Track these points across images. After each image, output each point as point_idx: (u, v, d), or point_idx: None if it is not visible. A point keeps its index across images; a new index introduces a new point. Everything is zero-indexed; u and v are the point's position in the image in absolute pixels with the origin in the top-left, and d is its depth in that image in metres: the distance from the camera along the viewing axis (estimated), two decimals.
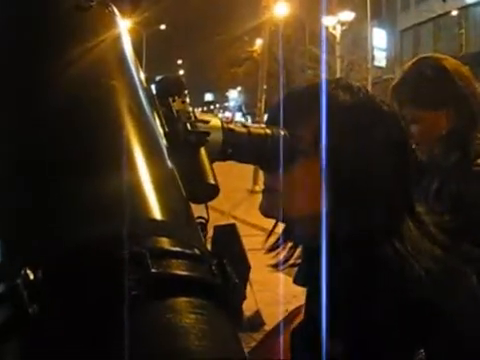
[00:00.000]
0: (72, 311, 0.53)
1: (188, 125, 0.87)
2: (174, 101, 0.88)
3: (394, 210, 1.35)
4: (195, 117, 0.91)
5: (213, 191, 0.85)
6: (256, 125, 1.13)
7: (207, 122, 0.94)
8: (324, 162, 1.26)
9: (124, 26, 0.86)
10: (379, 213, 1.31)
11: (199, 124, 0.90)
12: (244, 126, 1.07)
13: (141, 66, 0.86)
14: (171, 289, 0.56)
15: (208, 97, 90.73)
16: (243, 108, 52.61)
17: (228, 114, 56.17)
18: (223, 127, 0.99)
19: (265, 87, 22.32)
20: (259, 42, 27.83)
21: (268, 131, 1.11)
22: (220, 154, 0.97)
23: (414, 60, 2.79)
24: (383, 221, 1.32)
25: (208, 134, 0.89)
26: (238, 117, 52.42)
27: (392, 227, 1.32)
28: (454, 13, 34.81)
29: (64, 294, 0.54)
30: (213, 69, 48.20)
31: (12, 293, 0.53)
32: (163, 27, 50.44)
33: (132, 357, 0.50)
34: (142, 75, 0.83)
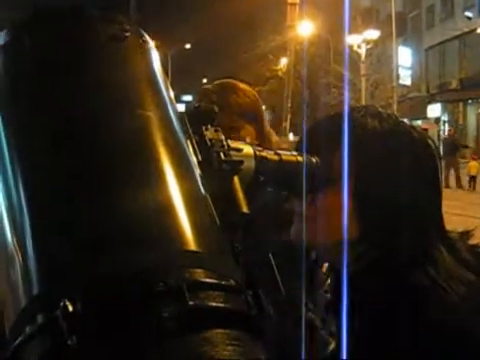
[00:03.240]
0: (110, 344, 0.54)
1: (221, 154, 0.87)
2: (207, 130, 0.88)
3: (425, 235, 1.34)
4: (228, 145, 0.91)
5: (247, 220, 0.84)
6: (288, 152, 1.13)
7: (240, 150, 0.94)
8: (346, 188, 1.25)
9: (157, 55, 0.87)
10: (410, 239, 1.30)
11: (232, 152, 0.90)
12: (276, 154, 1.07)
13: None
14: (208, 321, 0.56)
15: None
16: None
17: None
18: (256, 155, 0.99)
19: (290, 105, 22.34)
20: (284, 61, 27.82)
21: (300, 158, 1.11)
22: (253, 182, 0.97)
23: None
24: (415, 247, 1.31)
25: (241, 163, 0.89)
26: None
27: (425, 253, 1.31)
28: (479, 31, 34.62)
29: (103, 327, 0.55)
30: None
31: (52, 324, 0.54)
32: (188, 46, 50.79)
33: None
34: (175, 104, 0.84)
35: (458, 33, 36.91)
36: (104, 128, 0.72)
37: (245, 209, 0.83)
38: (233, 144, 0.93)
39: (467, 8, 36.34)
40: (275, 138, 3.18)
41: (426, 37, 40.48)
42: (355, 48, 33.85)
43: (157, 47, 0.90)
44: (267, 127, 2.36)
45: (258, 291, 0.62)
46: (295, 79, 23.53)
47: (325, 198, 1.32)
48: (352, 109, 1.42)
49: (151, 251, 0.60)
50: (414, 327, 1.20)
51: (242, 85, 2.25)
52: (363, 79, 32.13)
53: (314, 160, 1.16)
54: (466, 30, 35.65)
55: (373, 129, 1.34)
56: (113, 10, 0.92)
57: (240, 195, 0.84)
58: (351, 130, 1.25)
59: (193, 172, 0.76)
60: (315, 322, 2.06)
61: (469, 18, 35.20)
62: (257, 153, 1.00)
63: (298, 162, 1.09)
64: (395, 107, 32.19)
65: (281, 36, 23.06)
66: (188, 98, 39.32)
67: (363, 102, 29.81)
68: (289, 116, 21.50)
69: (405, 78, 41.27)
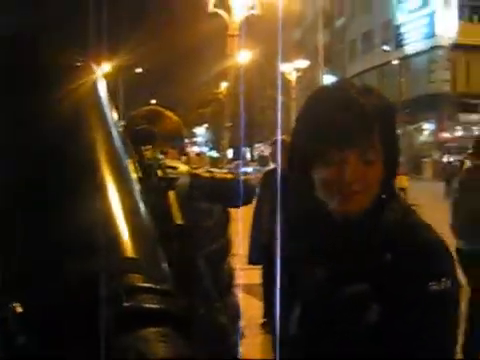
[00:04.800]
0: (54, 342, 0.54)
1: (159, 171, 0.88)
2: (146, 150, 0.90)
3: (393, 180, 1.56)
4: (165, 164, 0.92)
5: (181, 231, 0.86)
6: (219, 171, 1.16)
7: (175, 168, 0.96)
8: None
9: (104, 83, 0.88)
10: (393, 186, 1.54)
11: (168, 170, 0.91)
12: (208, 171, 1.10)
13: (118, 106, 0.87)
14: (142, 321, 0.57)
15: None
16: (209, 143, 52.85)
17: (196, 148, 56.67)
18: (190, 173, 1.01)
19: (230, 125, 22.47)
20: (224, 85, 27.96)
21: (228, 176, 1.14)
22: (187, 196, 0.99)
23: None
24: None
25: (176, 179, 0.90)
26: (206, 150, 52.79)
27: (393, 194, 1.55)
28: (395, 62, 35.42)
29: (47, 327, 0.55)
30: (184, 109, 48.49)
31: (1, 325, 0.54)
32: (139, 70, 50.60)
33: None
34: (118, 126, 0.84)
35: (376, 64, 37.81)
36: (54, 148, 0.72)
37: (179, 221, 0.85)
38: (169, 163, 0.95)
39: (384, 42, 37.17)
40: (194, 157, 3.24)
41: (349, 67, 41.18)
42: (287, 75, 34.42)
43: (110, 71, 0.90)
44: (186, 149, 2.40)
45: (191, 292, 0.63)
46: (234, 101, 23.65)
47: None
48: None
49: (93, 258, 0.61)
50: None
51: (167, 112, 2.24)
52: (294, 102, 32.51)
53: (250, 177, 1.19)
54: (384, 62, 36.48)
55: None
56: (73, 37, 0.92)
57: (175, 208, 0.86)
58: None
59: (133, 187, 0.77)
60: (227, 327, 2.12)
61: (385, 51, 35.99)
62: (191, 171, 1.02)
63: (227, 179, 1.12)
64: None
65: (222, 63, 23.15)
66: None
67: (292, 123, 30.30)
68: (229, 135, 21.59)
69: None
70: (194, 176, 1.03)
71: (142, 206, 0.75)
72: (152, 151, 0.92)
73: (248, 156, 47.62)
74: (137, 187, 0.78)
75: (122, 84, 41.07)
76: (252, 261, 6.31)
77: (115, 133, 0.81)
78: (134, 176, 0.80)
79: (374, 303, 1.37)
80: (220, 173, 1.15)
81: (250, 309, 6.81)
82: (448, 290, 1.38)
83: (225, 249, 2.17)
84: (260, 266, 6.29)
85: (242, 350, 3.56)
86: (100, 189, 0.70)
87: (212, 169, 1.12)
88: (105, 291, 0.56)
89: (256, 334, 6.09)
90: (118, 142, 0.80)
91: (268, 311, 6.10)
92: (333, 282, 1.42)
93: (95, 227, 0.65)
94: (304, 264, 1.52)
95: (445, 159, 26.82)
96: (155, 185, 0.86)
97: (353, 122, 1.31)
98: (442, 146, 30.91)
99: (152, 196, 0.81)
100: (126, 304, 0.56)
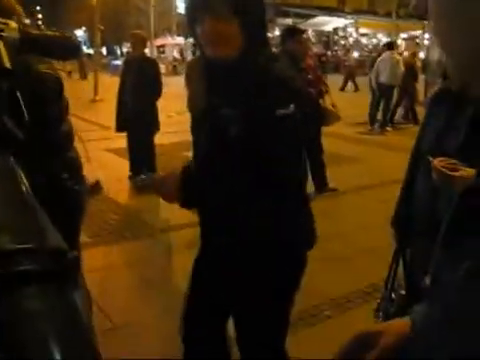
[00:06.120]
0: None
1: None
2: None
3: None
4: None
5: (6, 72, 0.78)
6: (46, 29, 1.12)
7: (7, 24, 0.92)
8: None
9: None
10: None
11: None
12: (39, 30, 1.06)
13: None
14: (17, 282, 0.46)
15: None
16: (87, 43, 49.71)
17: None
18: (19, 29, 0.97)
19: (102, 27, 21.18)
20: None
21: (58, 34, 1.10)
22: (17, 50, 0.95)
23: None
24: None
25: (2, 30, 0.87)
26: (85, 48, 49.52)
27: None
28: None
29: None
30: (67, 11, 45.12)
31: None
32: None
33: None
34: None
35: None
36: None
37: (7, 65, 0.78)
38: (1, 20, 0.91)
39: None
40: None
41: None
42: None
43: None
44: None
45: (60, 248, 0.51)
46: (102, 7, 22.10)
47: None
48: None
49: None
50: None
51: None
52: (152, 8, 30.98)
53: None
54: None
55: None
56: None
57: (3, 54, 0.81)
58: None
59: None
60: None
61: None
62: (21, 27, 0.98)
63: (56, 36, 1.09)
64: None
65: None
66: None
67: (152, 25, 29.20)
68: (101, 35, 20.37)
69: (182, 8, 40.30)
70: (24, 33, 1.00)
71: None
72: None
73: (118, 52, 45.36)
74: None
75: None
76: (118, 130, 6.23)
77: None
78: None
79: (238, 122, 1.58)
80: (50, 31, 1.11)
81: (120, 167, 6.83)
82: (292, 114, 1.56)
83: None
84: (125, 133, 6.24)
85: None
86: None
87: (46, 30, 1.08)
88: None
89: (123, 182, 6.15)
90: None
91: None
92: (215, 107, 1.63)
93: None
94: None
95: None
96: None
97: None
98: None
99: None
100: None
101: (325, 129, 5.53)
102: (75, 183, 2.25)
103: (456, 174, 1.54)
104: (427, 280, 0.68)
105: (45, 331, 0.44)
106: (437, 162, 1.60)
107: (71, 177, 2.19)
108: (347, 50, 26.90)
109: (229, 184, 1.60)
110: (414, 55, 12.36)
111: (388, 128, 10.37)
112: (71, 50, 1.26)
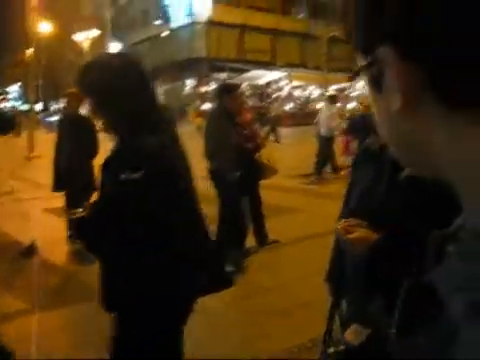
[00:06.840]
0: None
1: None
2: None
3: None
4: None
5: None
6: None
7: None
8: None
9: None
10: None
11: None
12: None
13: None
14: None
15: None
16: (23, 98, 49.02)
17: (10, 103, 52.23)
18: None
19: (41, 83, 21.06)
20: (30, 51, 25.79)
21: None
22: None
23: None
24: None
25: None
26: (18, 104, 48.56)
27: None
28: (165, 34, 35.49)
29: None
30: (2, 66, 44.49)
31: None
32: None
33: None
34: None
35: (151, 35, 37.46)
36: None
37: None
38: None
39: (157, 18, 36.96)
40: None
41: (130, 37, 39.99)
42: (82, 43, 33.11)
43: None
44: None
45: None
46: (40, 64, 21.98)
47: None
48: None
49: None
50: None
51: None
52: None
53: None
54: (156, 33, 36.21)
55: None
56: None
57: None
58: None
59: None
60: None
61: (158, 25, 35.46)
62: None
63: None
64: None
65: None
66: None
67: None
68: (35, 91, 20.12)
69: None
70: None
71: None
72: None
73: (55, 108, 44.87)
74: None
75: None
76: (55, 189, 6.10)
77: None
78: None
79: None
80: None
81: (58, 227, 6.62)
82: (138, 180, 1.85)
83: None
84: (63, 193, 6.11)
85: None
86: None
87: None
88: None
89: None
90: None
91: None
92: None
93: None
94: None
95: (203, 106, 27.43)
96: None
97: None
98: (201, 96, 31.72)
99: None
100: None
101: (264, 182, 5.64)
102: None
103: (351, 236, 1.55)
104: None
105: None
106: (340, 224, 1.61)
107: None
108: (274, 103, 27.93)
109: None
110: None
111: (327, 176, 10.58)
112: (6, 126, 1.25)
